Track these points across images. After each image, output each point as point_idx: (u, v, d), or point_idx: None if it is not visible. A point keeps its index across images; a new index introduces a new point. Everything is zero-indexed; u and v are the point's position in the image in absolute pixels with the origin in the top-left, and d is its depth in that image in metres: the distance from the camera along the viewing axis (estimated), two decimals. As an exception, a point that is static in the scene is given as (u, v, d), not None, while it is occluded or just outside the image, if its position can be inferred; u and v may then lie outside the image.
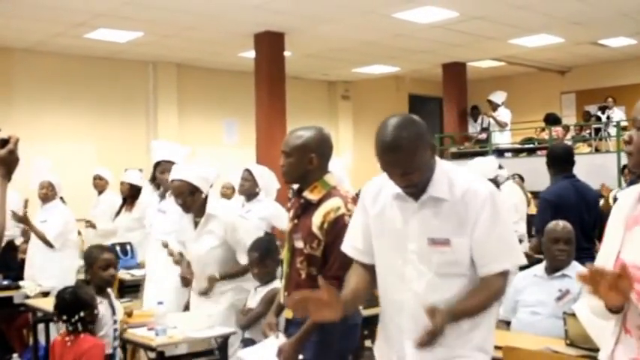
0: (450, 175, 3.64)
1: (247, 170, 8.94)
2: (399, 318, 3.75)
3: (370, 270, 3.90)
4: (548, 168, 7.82)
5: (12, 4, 12.46)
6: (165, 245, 6.59)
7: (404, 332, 3.70)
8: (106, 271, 6.14)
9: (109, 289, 6.25)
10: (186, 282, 6.62)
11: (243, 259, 6.26)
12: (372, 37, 16.27)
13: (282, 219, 8.23)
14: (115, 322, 6.06)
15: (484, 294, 3.59)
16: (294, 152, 4.77)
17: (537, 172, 8.05)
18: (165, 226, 7.42)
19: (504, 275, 3.60)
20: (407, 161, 3.49)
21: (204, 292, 6.32)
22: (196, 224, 6.40)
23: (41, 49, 16.08)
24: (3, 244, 3.76)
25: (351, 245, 4.00)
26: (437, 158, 3.68)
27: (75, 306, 5.59)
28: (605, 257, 3.00)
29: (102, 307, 5.81)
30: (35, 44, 15.64)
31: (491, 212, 3.55)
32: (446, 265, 3.55)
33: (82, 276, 9.94)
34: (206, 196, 6.34)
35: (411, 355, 3.65)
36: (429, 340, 3.32)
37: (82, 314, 5.55)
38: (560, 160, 7.80)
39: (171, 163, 7.30)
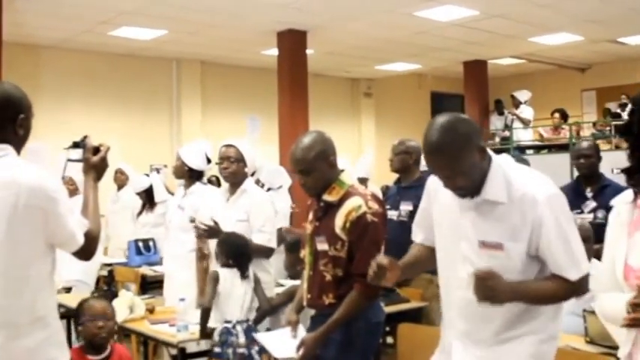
0: (507, 177, 3.51)
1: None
2: (449, 313, 3.77)
3: (432, 250, 3.91)
4: (597, 164, 7.71)
5: (38, 2, 12.57)
6: (193, 220, 6.62)
7: (453, 329, 3.73)
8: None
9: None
10: (201, 255, 6.67)
11: (256, 238, 6.26)
12: (394, 35, 16.28)
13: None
14: None
15: (555, 285, 3.48)
16: (315, 164, 4.69)
17: (558, 168, 7.93)
18: (183, 223, 7.47)
19: (572, 284, 3.45)
20: (449, 165, 3.42)
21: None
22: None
23: (67, 47, 16.19)
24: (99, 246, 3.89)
25: (415, 232, 4.07)
26: (493, 157, 3.58)
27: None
28: (611, 264, 2.99)
29: None
30: (60, 42, 15.74)
31: (553, 217, 3.41)
32: (496, 269, 3.33)
33: (104, 272, 10.02)
34: (246, 175, 6.53)
35: (456, 352, 3.69)
36: (479, 277, 3.28)
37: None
38: None
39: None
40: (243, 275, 5.94)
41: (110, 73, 17.21)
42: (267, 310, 6.12)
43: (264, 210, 6.42)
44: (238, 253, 5.99)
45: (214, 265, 6.22)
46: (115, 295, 7.03)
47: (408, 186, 7.29)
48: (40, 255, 3.55)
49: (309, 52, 16.15)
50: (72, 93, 16.56)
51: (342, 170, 4.85)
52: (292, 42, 15.76)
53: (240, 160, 6.43)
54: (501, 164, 3.57)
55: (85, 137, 4.04)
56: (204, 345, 6.13)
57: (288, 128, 15.44)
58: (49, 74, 16.17)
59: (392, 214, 7.27)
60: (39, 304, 3.56)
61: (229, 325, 5.77)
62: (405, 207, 7.19)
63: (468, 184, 3.48)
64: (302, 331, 4.87)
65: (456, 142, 3.42)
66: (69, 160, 4.12)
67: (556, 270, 3.47)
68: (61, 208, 3.54)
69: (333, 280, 4.69)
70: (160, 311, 6.73)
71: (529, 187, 3.47)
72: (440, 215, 3.79)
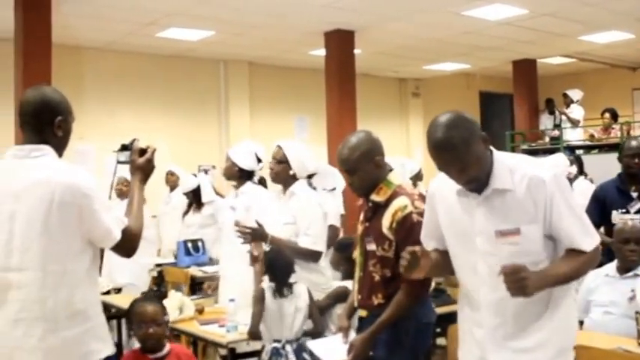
0: (509, 165, 3.63)
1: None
2: (477, 314, 3.79)
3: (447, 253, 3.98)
4: None
5: (84, 4, 12.61)
6: (237, 224, 6.60)
7: (483, 328, 3.75)
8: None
9: None
10: (254, 259, 6.68)
11: (302, 242, 6.20)
12: (442, 35, 16.21)
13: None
14: None
15: (575, 261, 3.60)
16: (360, 164, 4.73)
17: (610, 168, 7.85)
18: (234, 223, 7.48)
19: (588, 254, 3.61)
20: (462, 158, 3.51)
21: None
22: None
23: (113, 49, 16.23)
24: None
25: (426, 243, 4.08)
26: (493, 150, 3.68)
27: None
28: None
29: None
30: (107, 44, 15.79)
31: (561, 195, 3.57)
32: (517, 255, 3.52)
33: (154, 273, 10.07)
34: (295, 177, 6.43)
35: (492, 351, 3.72)
36: (508, 272, 3.35)
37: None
38: None
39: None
40: (280, 293, 5.84)
41: (157, 74, 17.24)
42: (320, 333, 6.08)
43: (309, 213, 6.34)
44: (276, 270, 5.91)
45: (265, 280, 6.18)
46: (164, 295, 7.06)
47: None
48: (77, 251, 3.70)
49: (356, 52, 16.08)
50: (119, 94, 16.58)
51: (391, 170, 4.85)
52: (340, 42, 15.71)
53: (282, 161, 6.39)
54: (500, 155, 3.71)
55: (134, 140, 4.19)
56: (253, 345, 6.13)
57: (337, 129, 15.39)
58: (95, 76, 16.18)
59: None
60: (77, 298, 3.69)
61: (278, 345, 5.74)
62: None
63: (480, 174, 3.59)
64: (353, 337, 4.87)
65: (462, 134, 3.53)
66: (118, 162, 4.34)
67: (571, 244, 3.61)
68: (95, 204, 3.70)
69: (382, 281, 4.72)
70: (209, 312, 6.76)
71: (532, 170, 3.62)
72: (448, 221, 3.88)
